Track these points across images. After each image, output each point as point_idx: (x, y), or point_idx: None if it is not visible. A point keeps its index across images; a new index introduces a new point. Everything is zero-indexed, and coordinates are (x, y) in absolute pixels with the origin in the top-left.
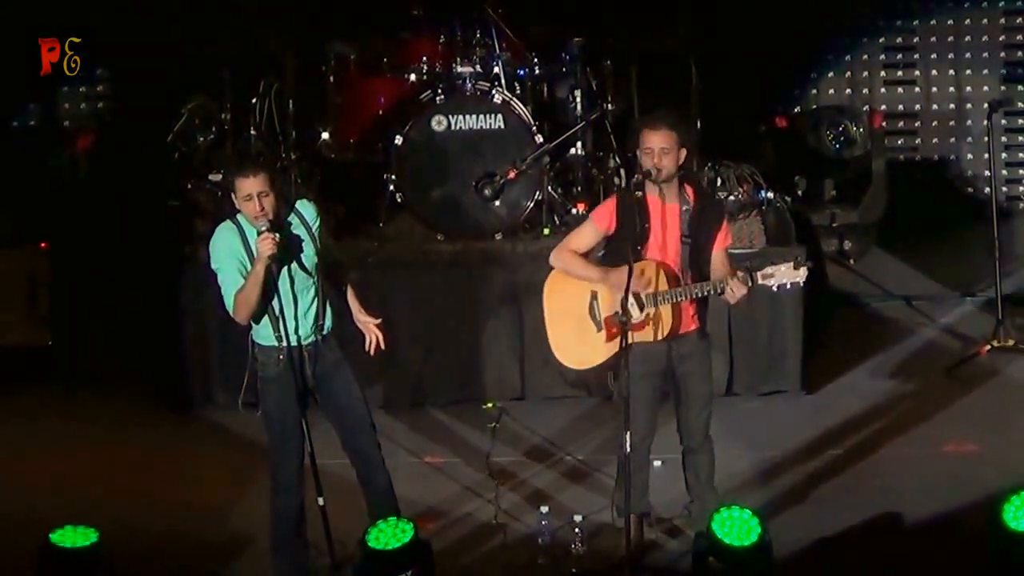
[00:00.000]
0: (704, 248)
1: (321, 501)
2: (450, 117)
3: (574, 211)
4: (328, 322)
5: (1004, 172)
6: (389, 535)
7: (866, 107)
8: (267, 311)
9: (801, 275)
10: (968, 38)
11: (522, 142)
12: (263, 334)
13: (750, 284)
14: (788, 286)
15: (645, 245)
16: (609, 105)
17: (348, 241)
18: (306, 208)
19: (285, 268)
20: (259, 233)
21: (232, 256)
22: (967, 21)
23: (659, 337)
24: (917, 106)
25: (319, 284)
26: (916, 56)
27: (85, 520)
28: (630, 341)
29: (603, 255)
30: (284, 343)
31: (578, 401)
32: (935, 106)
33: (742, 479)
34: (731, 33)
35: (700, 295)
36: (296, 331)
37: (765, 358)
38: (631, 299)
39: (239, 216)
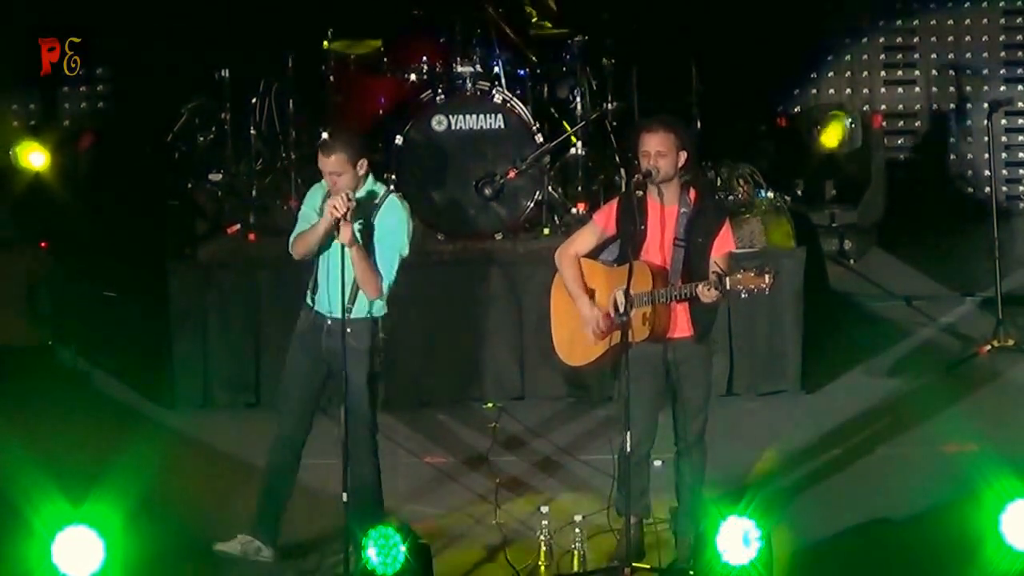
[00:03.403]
0: (700, 252)
1: (345, 497)
2: (450, 117)
3: (574, 211)
4: (358, 308)
5: (1004, 172)
6: (383, 556)
7: (866, 107)
8: (312, 271)
9: (766, 282)
10: (968, 38)
11: (522, 142)
12: (306, 292)
13: (719, 289)
14: (755, 291)
15: (642, 246)
16: (609, 105)
17: None
18: (390, 206)
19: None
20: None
21: (313, 205)
22: (967, 21)
23: (646, 337)
24: (917, 106)
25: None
26: (916, 56)
27: (86, 520)
28: (627, 341)
29: (618, 256)
30: (314, 307)
31: (578, 401)
32: (935, 106)
33: (742, 479)
34: (731, 33)
35: (680, 297)
36: (326, 301)
37: (765, 358)
38: (619, 298)
39: None
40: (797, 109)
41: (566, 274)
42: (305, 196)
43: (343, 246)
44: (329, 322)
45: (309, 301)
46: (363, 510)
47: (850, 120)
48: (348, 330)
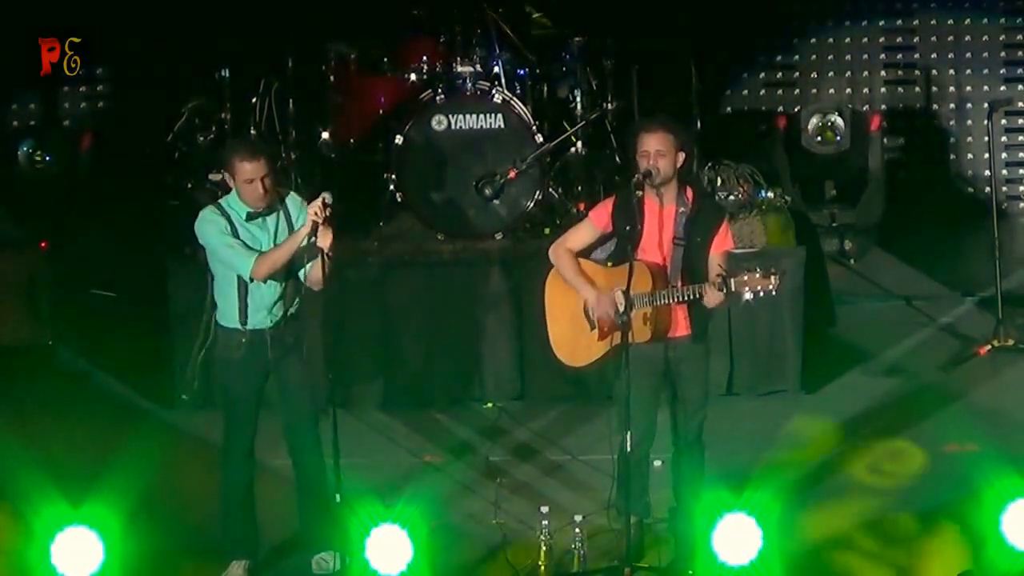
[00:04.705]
0: (699, 251)
1: (338, 498)
2: (450, 117)
3: (574, 211)
4: (293, 308)
5: (1004, 172)
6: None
7: (866, 107)
8: (238, 294)
9: (773, 284)
10: (968, 38)
11: (522, 142)
12: (228, 316)
13: (724, 291)
14: (761, 294)
15: (639, 246)
16: (609, 105)
17: (348, 241)
18: (292, 201)
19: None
20: (312, 200)
21: (222, 232)
22: (967, 21)
23: (648, 338)
24: (917, 106)
25: (287, 274)
26: (916, 56)
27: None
28: (627, 342)
29: (611, 254)
30: (247, 326)
31: (578, 401)
32: (935, 106)
33: (742, 479)
34: (731, 33)
35: (683, 299)
36: (263, 316)
37: (765, 358)
38: (619, 298)
39: (223, 201)
40: (797, 109)
41: (564, 266)
42: (205, 232)
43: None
44: (271, 334)
45: (237, 324)
46: (321, 501)
47: (834, 119)
48: (293, 335)
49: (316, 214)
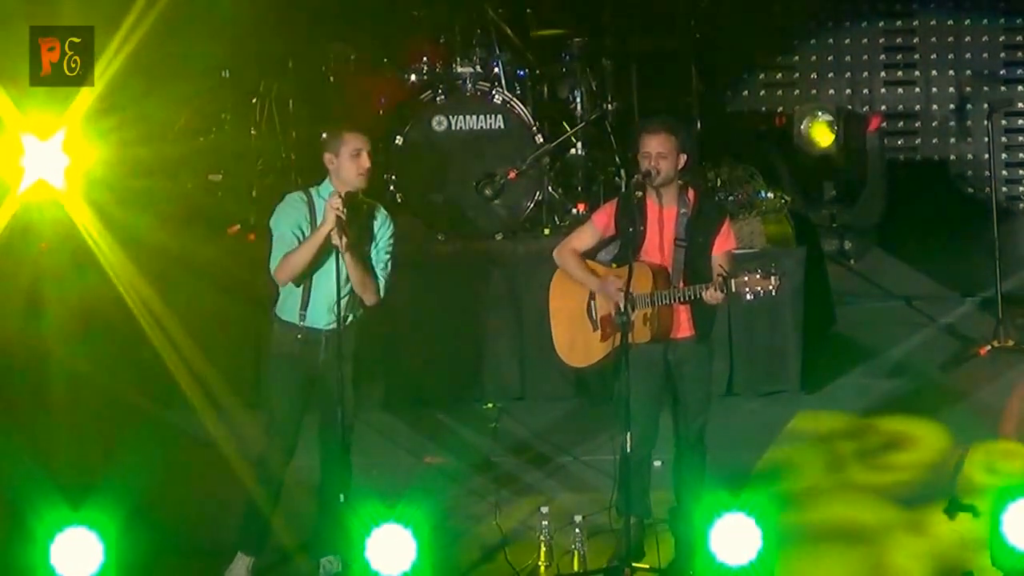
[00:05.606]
0: (701, 252)
1: (342, 498)
2: (450, 117)
3: (574, 211)
4: (355, 314)
5: (1004, 172)
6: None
7: (866, 107)
8: (302, 286)
9: (773, 284)
10: (968, 38)
11: (522, 142)
12: (287, 310)
13: (724, 291)
14: (761, 294)
15: (641, 247)
16: (609, 105)
17: None
18: (379, 213)
19: (336, 252)
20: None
21: (294, 223)
22: (967, 21)
23: (648, 338)
24: (917, 106)
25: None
26: (916, 56)
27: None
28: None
29: (615, 256)
30: (305, 323)
31: (578, 401)
32: (935, 106)
33: (742, 479)
34: (731, 33)
35: (683, 299)
36: (322, 313)
37: (765, 358)
38: (620, 298)
39: (313, 188)
40: (796, 109)
41: (569, 265)
42: (277, 216)
43: (337, 255)
44: (326, 335)
45: (295, 319)
46: (339, 506)
47: (831, 118)
48: (351, 345)
49: (339, 209)
